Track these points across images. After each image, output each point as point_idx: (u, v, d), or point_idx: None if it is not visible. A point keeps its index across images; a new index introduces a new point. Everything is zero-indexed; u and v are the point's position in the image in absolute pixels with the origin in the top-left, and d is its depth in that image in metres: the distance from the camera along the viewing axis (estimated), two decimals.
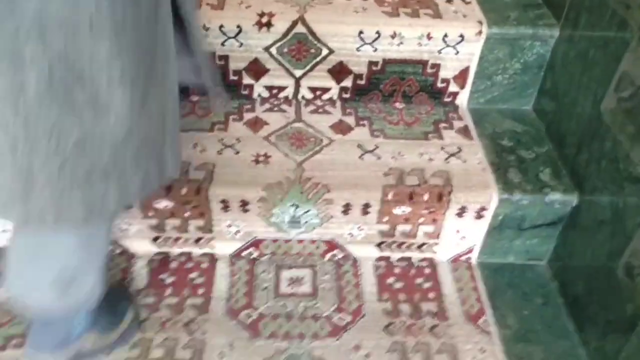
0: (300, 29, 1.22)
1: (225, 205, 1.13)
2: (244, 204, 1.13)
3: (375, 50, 1.25)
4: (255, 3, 1.25)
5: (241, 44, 1.23)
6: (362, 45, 1.25)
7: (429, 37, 1.24)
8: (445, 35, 1.24)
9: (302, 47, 1.25)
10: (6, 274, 0.86)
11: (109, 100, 0.66)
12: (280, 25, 1.22)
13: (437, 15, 1.27)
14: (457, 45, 1.25)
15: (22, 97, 0.62)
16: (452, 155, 1.22)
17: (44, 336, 0.95)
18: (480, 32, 1.23)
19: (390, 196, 1.13)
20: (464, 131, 1.28)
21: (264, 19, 1.21)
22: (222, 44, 1.23)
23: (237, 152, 1.19)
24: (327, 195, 1.12)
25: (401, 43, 1.24)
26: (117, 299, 1.07)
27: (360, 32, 1.23)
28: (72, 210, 0.71)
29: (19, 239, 0.85)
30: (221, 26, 1.21)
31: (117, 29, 0.63)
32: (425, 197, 1.14)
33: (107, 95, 0.66)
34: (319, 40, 1.23)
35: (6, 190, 0.68)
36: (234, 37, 1.22)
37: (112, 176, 0.72)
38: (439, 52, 1.26)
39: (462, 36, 1.24)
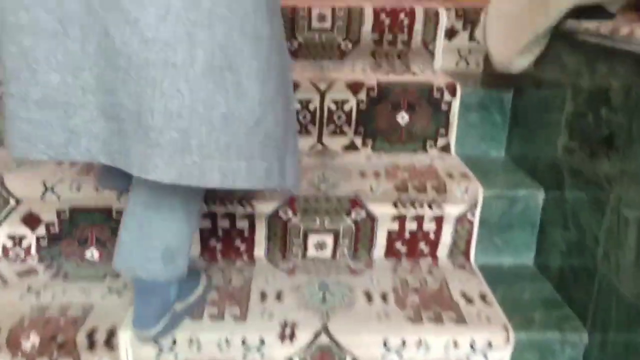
0: (323, 339, 1.20)
1: None
2: None
3: (402, 358, 1.22)
4: (278, 312, 1.25)
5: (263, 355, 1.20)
6: (387, 354, 1.21)
7: (455, 344, 1.21)
8: (473, 342, 1.21)
9: (325, 356, 1.21)
10: (119, 250, 1.05)
11: (246, 89, 0.88)
12: (303, 337, 1.20)
13: (461, 319, 1.26)
14: (485, 352, 1.21)
15: (191, 69, 0.84)
16: None
17: (148, 310, 1.08)
18: (508, 339, 1.21)
19: None
20: None
21: (287, 331, 1.20)
22: None
23: None
24: None
25: (427, 351, 1.21)
26: (190, 267, 1.17)
27: (385, 342, 1.20)
28: (211, 176, 0.88)
29: (133, 219, 1.03)
30: (244, 340, 1.19)
31: (257, 37, 0.88)
32: None
33: (246, 84, 0.88)
34: (342, 349, 1.20)
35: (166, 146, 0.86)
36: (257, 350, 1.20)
37: (243, 155, 0.90)
38: (468, 359, 1.22)
39: (489, 343, 1.21)
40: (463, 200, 1.43)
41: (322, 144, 1.68)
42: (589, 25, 1.23)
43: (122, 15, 0.81)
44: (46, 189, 1.37)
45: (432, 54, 1.90)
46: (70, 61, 0.87)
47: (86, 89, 0.88)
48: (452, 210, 1.44)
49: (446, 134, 1.68)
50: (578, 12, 1.30)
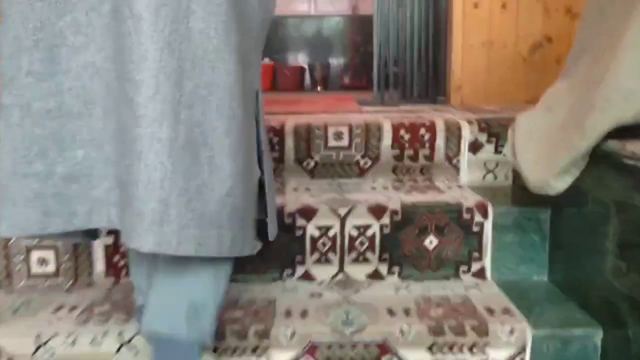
0: None
1: None
2: None
3: None
4: None
5: None
6: None
7: None
8: None
9: None
10: (146, 311, 1.04)
11: (219, 164, 0.95)
12: None
13: None
14: None
15: (175, 143, 0.90)
16: None
17: None
18: None
19: None
20: None
21: None
22: None
23: None
24: None
25: None
26: None
27: None
28: (187, 245, 0.92)
29: (160, 278, 1.05)
30: None
31: (231, 116, 0.95)
32: None
33: (218, 159, 0.95)
34: None
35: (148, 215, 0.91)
36: None
37: (214, 224, 0.95)
38: None
39: None
40: (509, 343, 1.25)
41: (344, 272, 1.54)
42: (634, 148, 1.12)
43: (124, 95, 0.92)
44: (39, 345, 1.23)
45: (457, 169, 1.79)
46: (94, 137, 0.96)
47: (107, 162, 0.96)
48: (497, 356, 1.25)
49: (480, 258, 1.53)
50: (620, 131, 1.18)
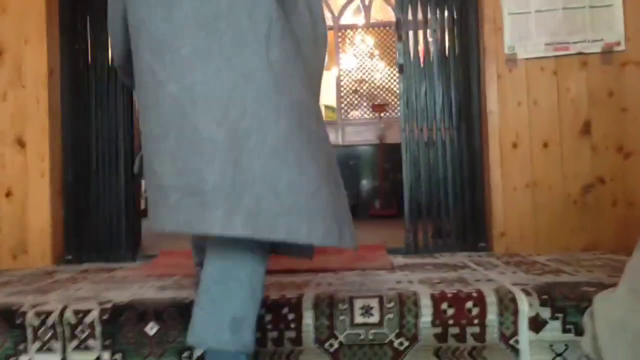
0: None
1: None
2: None
3: None
4: None
5: None
6: None
7: None
8: None
9: None
10: (192, 325, 1.16)
11: (305, 166, 1.13)
12: None
13: None
14: None
15: (261, 150, 1.11)
16: None
17: None
18: None
19: None
20: None
21: None
22: None
23: None
24: None
25: None
26: None
27: None
28: (278, 231, 1.10)
29: (205, 294, 1.17)
30: None
31: (310, 131, 1.17)
32: None
33: (305, 162, 1.13)
34: None
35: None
36: None
37: (304, 217, 1.11)
38: None
39: None
40: None
41: None
42: None
43: (211, 115, 1.12)
44: None
45: (516, 351, 1.44)
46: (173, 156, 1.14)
47: (180, 174, 1.14)
48: None
49: None
50: None
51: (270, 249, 1.23)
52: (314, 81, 1.30)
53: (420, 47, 2.50)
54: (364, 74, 7.17)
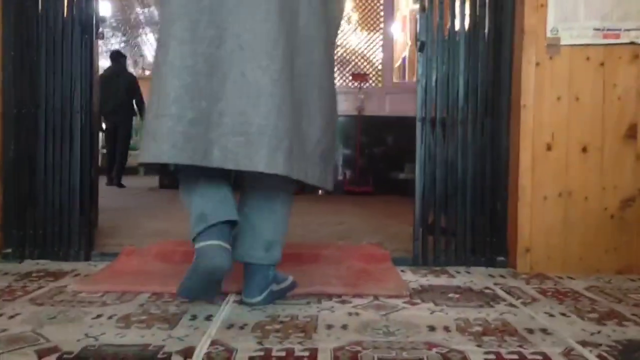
0: None
1: None
2: None
3: None
4: None
5: None
6: None
7: None
8: None
9: None
10: (236, 245, 1.45)
11: (314, 119, 1.41)
12: None
13: None
14: None
15: (284, 106, 1.33)
16: None
17: (253, 286, 1.47)
18: None
19: None
20: None
21: None
22: None
23: None
24: None
25: None
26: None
27: None
28: (294, 171, 1.35)
29: (245, 222, 1.47)
30: None
31: (321, 87, 1.44)
32: None
33: (314, 115, 1.41)
34: None
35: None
36: None
37: (309, 162, 1.40)
38: None
39: None
40: None
41: None
42: None
43: (256, 63, 1.32)
44: None
45: None
46: (214, 94, 1.33)
47: (222, 114, 1.32)
48: None
49: None
50: None
51: (294, 184, 1.49)
52: (333, 32, 1.56)
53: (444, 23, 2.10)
54: (340, 38, 6.80)
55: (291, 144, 1.32)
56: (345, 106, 6.33)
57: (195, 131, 1.30)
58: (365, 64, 6.89)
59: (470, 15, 2.09)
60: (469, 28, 2.09)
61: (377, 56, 6.78)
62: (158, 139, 1.30)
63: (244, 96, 1.30)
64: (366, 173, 5.95)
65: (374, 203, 4.52)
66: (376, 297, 1.59)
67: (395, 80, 6.70)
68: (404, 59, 7.78)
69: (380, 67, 6.71)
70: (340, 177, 5.93)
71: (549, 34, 1.99)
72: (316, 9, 1.41)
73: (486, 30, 2.08)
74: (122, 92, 5.85)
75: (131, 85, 5.98)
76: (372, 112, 6.22)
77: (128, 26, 9.26)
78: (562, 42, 1.99)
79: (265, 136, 1.29)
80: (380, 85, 6.61)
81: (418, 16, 2.10)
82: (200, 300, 1.50)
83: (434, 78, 2.08)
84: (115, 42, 9.32)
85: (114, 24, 9.24)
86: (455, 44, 2.08)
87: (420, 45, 2.08)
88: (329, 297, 1.59)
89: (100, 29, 2.16)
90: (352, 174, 6.06)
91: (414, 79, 7.15)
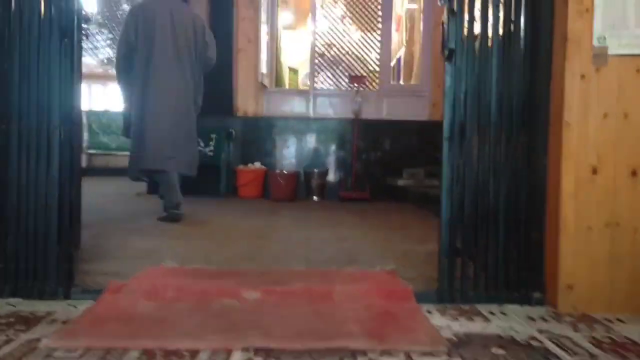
0: None
1: None
2: None
3: None
4: None
5: None
6: None
7: None
8: None
9: None
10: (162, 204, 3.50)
11: (194, 138, 3.61)
12: None
13: None
14: None
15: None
16: None
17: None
18: None
19: None
20: None
21: None
22: None
23: None
24: None
25: None
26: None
27: None
28: (184, 169, 3.54)
29: (164, 190, 3.46)
30: None
31: (193, 123, 3.60)
32: None
33: (192, 133, 3.59)
34: None
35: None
36: None
37: (190, 164, 3.57)
38: None
39: None
40: None
41: None
42: None
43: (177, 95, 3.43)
44: None
45: None
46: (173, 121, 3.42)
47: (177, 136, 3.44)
48: None
49: None
50: None
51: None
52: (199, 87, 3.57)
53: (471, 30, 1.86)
54: (332, 37, 6.59)
55: (184, 156, 3.45)
56: (341, 109, 6.10)
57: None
58: (358, 64, 6.64)
59: (504, 20, 1.85)
60: (503, 34, 1.85)
61: (372, 57, 6.55)
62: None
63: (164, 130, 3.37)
64: (362, 179, 5.70)
65: (373, 212, 4.29)
66: (409, 356, 1.34)
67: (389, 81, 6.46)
68: (398, 59, 7.55)
69: (374, 68, 6.48)
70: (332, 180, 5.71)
71: (595, 43, 1.76)
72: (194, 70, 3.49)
73: (522, 37, 1.84)
74: None
75: None
76: (368, 115, 5.98)
77: (115, 23, 8.92)
78: (610, 52, 1.76)
79: (172, 153, 3.41)
80: (375, 87, 6.39)
81: (446, 21, 1.85)
82: None
83: (463, 90, 1.84)
84: (101, 39, 8.99)
85: (100, 21, 8.91)
86: (487, 52, 1.84)
87: (449, 54, 1.83)
88: (353, 355, 1.34)
89: (85, 28, 1.89)
90: (348, 180, 5.83)
91: (411, 81, 6.98)
